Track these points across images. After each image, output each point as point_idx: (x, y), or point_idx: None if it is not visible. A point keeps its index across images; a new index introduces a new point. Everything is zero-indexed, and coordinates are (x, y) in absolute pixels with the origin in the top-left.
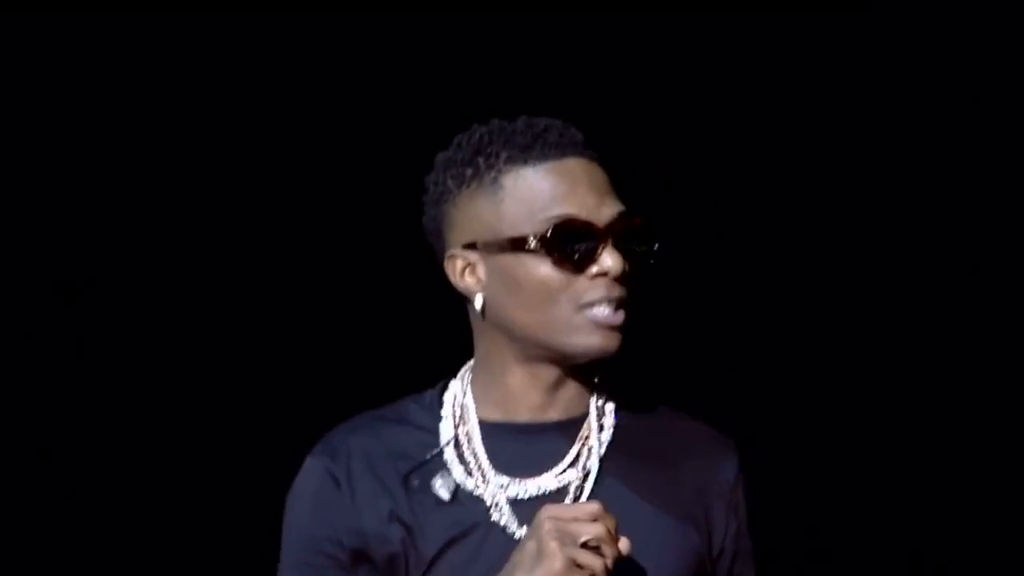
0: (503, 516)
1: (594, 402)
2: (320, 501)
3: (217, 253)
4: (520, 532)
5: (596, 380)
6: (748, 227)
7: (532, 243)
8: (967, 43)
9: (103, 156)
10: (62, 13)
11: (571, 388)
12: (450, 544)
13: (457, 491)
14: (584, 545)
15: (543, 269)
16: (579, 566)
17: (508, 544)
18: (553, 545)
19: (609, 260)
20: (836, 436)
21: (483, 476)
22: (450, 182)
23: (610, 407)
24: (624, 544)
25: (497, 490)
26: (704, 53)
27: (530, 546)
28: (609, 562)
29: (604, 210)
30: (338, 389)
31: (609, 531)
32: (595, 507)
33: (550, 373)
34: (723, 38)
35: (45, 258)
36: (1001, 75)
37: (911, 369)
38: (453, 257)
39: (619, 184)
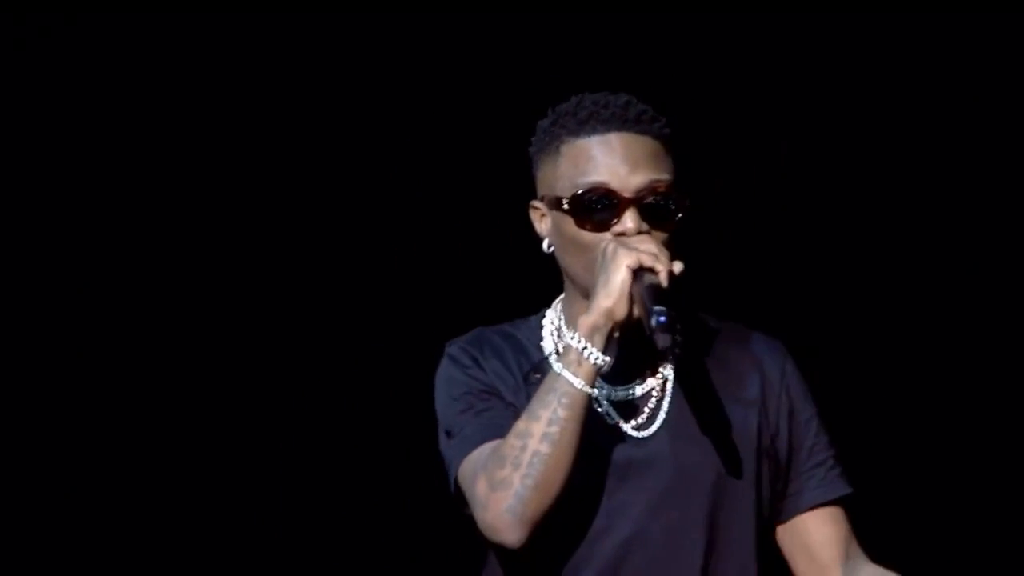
0: (604, 409)
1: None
2: (464, 364)
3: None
4: (619, 423)
5: None
6: (748, 227)
7: (565, 204)
8: (967, 43)
9: (101, 156)
10: (61, 13)
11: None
12: None
13: None
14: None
15: (572, 227)
16: (642, 267)
17: (609, 429)
18: (620, 251)
19: (630, 222)
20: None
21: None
22: (536, 145)
23: (681, 323)
24: (678, 265)
25: (606, 391)
26: (704, 53)
27: (602, 274)
28: (663, 272)
29: (633, 179)
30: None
31: (659, 247)
32: (647, 236)
33: None
34: (723, 38)
35: (44, 258)
36: (1001, 76)
37: (910, 370)
38: (533, 207)
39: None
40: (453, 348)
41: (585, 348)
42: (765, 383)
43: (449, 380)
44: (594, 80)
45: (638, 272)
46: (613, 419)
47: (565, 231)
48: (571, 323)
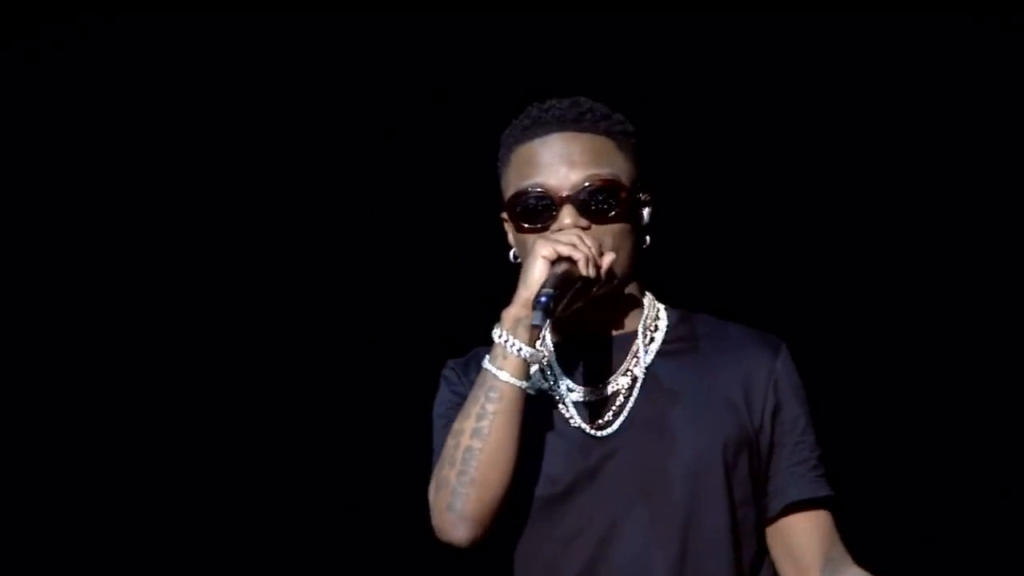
0: (568, 411)
1: (643, 319)
2: (451, 383)
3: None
4: (581, 424)
5: (645, 300)
6: (748, 227)
7: (507, 209)
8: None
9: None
10: (60, 13)
11: (618, 308)
12: (531, 427)
13: (540, 390)
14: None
15: (515, 234)
16: (560, 258)
17: (570, 431)
18: (539, 243)
19: (567, 218)
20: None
21: (555, 380)
22: (498, 159)
23: (662, 323)
24: (607, 257)
25: (566, 392)
26: (703, 53)
27: (524, 267)
28: (581, 261)
29: (572, 176)
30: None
31: (581, 237)
32: (574, 230)
33: (588, 305)
34: (724, 38)
35: (44, 258)
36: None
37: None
38: (502, 219)
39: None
40: (445, 368)
41: (508, 341)
42: (750, 380)
43: (437, 399)
44: (593, 81)
45: (557, 262)
46: (576, 420)
47: (516, 237)
48: (553, 327)
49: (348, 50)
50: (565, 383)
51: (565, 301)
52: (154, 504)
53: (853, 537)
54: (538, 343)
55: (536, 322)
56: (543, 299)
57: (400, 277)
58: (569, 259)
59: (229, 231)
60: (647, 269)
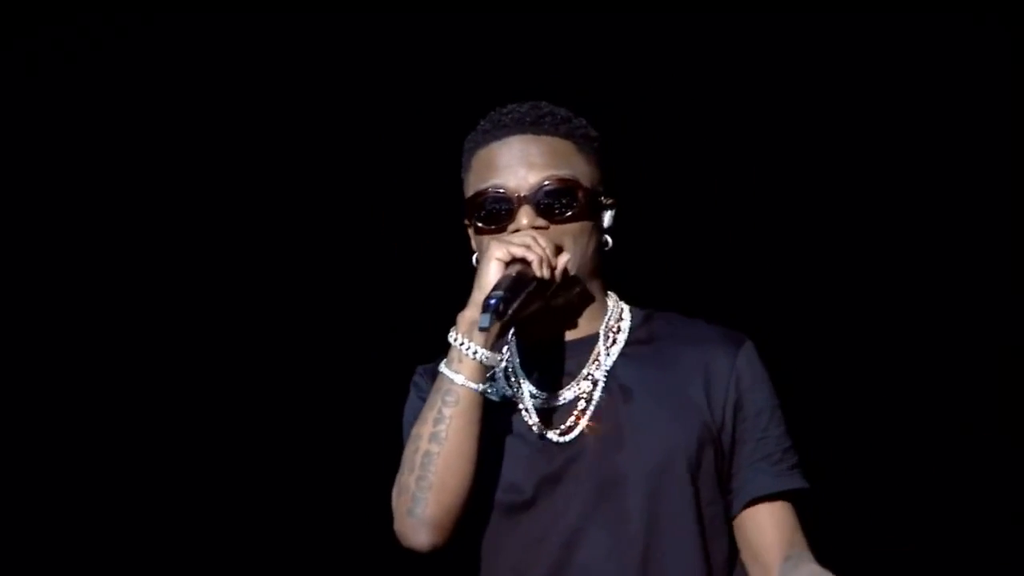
0: (530, 417)
1: (605, 321)
2: (420, 389)
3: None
4: (542, 430)
5: (608, 302)
6: (748, 227)
7: (466, 213)
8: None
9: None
10: (60, 13)
11: (580, 311)
12: (490, 432)
13: (503, 396)
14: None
15: (475, 236)
16: (514, 259)
17: (533, 438)
18: (492, 244)
19: (524, 219)
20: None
21: (519, 386)
22: (462, 171)
23: (624, 324)
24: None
25: (528, 397)
26: (704, 53)
27: (478, 269)
28: (535, 262)
29: (530, 177)
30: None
31: (536, 238)
32: (530, 231)
33: (548, 308)
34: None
35: (43, 257)
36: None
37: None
38: (466, 227)
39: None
40: (415, 375)
41: (463, 344)
42: (711, 377)
43: (407, 406)
44: (592, 81)
45: (511, 264)
46: (538, 426)
47: (476, 240)
48: (519, 330)
49: (347, 50)
50: (527, 388)
51: (519, 303)
52: (153, 504)
53: (827, 532)
54: (504, 349)
55: (483, 325)
56: (492, 301)
57: (400, 277)
58: (523, 260)
59: (229, 231)
60: (618, 270)
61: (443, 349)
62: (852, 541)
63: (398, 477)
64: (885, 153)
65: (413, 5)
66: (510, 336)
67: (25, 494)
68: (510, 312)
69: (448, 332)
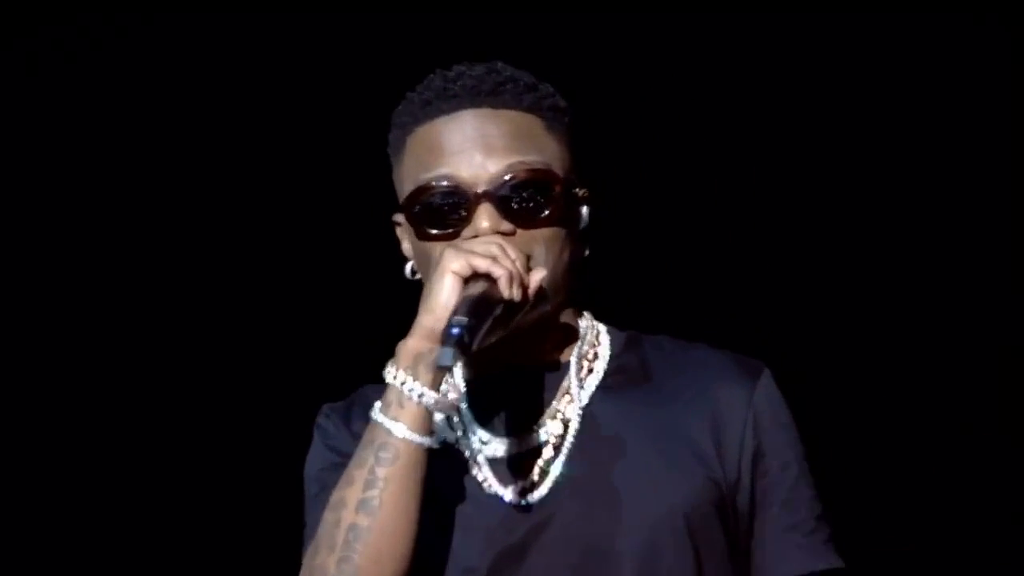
0: (481, 472)
1: (578, 346)
2: (327, 434)
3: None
4: (498, 489)
5: (582, 323)
6: (748, 227)
7: (404, 210)
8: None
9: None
10: (60, 13)
11: (546, 334)
12: (431, 493)
13: (443, 442)
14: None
15: (415, 241)
16: (476, 274)
17: (486, 499)
18: (448, 254)
19: (484, 220)
20: (836, 435)
21: (464, 429)
22: (390, 144)
23: (603, 350)
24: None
25: (478, 445)
26: (706, 53)
27: (426, 286)
28: (504, 277)
29: (490, 165)
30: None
31: (503, 247)
32: (496, 237)
33: (522, 328)
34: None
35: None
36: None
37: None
38: (395, 222)
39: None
40: (320, 416)
41: (405, 384)
42: (721, 419)
43: (309, 457)
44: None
45: (471, 281)
46: (492, 484)
47: (413, 248)
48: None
49: (348, 50)
50: (477, 434)
51: (483, 332)
52: (151, 505)
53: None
54: (444, 384)
55: (444, 362)
56: (455, 331)
57: (399, 276)
58: (487, 276)
59: (229, 231)
60: (589, 282)
61: (369, 378)
62: (852, 541)
63: (309, 557)
64: (884, 153)
65: (413, 5)
66: (456, 366)
67: (25, 494)
68: (474, 344)
69: (385, 367)
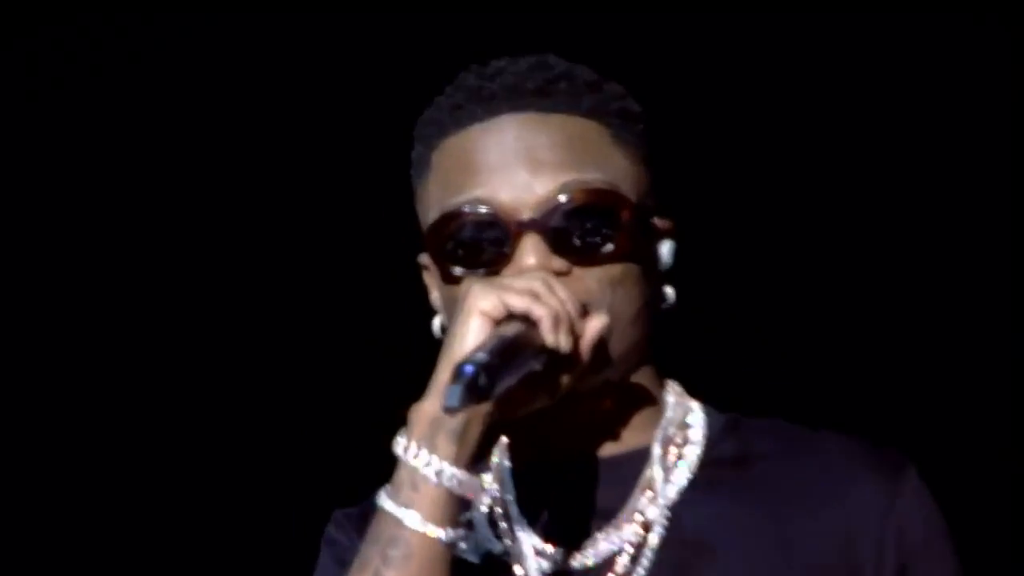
0: None
1: (662, 428)
2: (340, 547)
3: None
4: None
5: (668, 397)
6: (748, 227)
7: (427, 250)
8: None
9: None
10: (60, 13)
11: (618, 410)
12: None
13: (488, 554)
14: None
15: (442, 285)
16: (511, 315)
17: None
18: (475, 291)
19: (530, 257)
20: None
21: (513, 537)
22: (413, 164)
23: (694, 433)
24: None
25: (531, 556)
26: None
27: (449, 329)
28: (546, 320)
29: (537, 186)
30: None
31: (549, 283)
32: (539, 274)
33: (564, 405)
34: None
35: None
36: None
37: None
38: (421, 264)
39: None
40: (330, 525)
41: (419, 457)
42: (854, 530)
43: (318, 566)
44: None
45: (505, 323)
46: None
47: (442, 291)
48: (515, 437)
49: (348, 50)
50: (530, 540)
51: (513, 380)
52: (151, 505)
53: None
54: (489, 474)
55: (451, 403)
56: (467, 368)
57: (400, 276)
58: (524, 317)
59: (228, 232)
60: (668, 344)
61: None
62: None
63: None
64: (884, 154)
65: (414, 5)
66: (499, 453)
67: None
68: (496, 390)
69: (394, 438)
